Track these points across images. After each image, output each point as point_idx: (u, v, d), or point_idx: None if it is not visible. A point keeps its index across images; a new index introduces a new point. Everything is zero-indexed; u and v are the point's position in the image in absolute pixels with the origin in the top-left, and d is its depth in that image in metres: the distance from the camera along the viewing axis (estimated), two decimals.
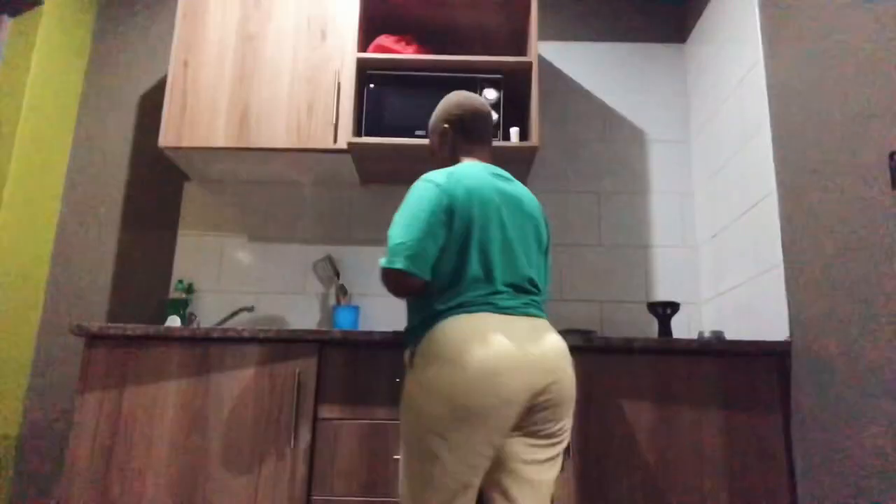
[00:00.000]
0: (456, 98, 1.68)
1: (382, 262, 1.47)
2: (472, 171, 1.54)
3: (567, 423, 1.46)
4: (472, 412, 1.34)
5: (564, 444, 1.47)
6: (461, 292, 1.45)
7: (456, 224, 1.48)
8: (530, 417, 1.40)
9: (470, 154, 1.66)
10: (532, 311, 1.49)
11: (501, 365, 1.35)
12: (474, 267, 1.46)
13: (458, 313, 1.43)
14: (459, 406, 1.34)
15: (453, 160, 1.66)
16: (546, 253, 1.66)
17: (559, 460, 1.47)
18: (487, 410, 1.35)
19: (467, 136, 1.66)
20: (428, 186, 1.50)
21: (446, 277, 1.47)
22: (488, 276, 1.47)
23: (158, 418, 1.83)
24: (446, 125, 1.66)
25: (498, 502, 1.41)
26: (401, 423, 1.45)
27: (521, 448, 1.42)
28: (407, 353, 1.52)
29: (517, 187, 1.61)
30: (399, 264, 1.43)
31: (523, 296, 1.50)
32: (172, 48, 2.38)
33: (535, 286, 1.54)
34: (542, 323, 1.48)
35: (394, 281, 1.46)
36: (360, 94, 2.40)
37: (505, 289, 1.48)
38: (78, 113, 2.72)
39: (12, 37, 2.49)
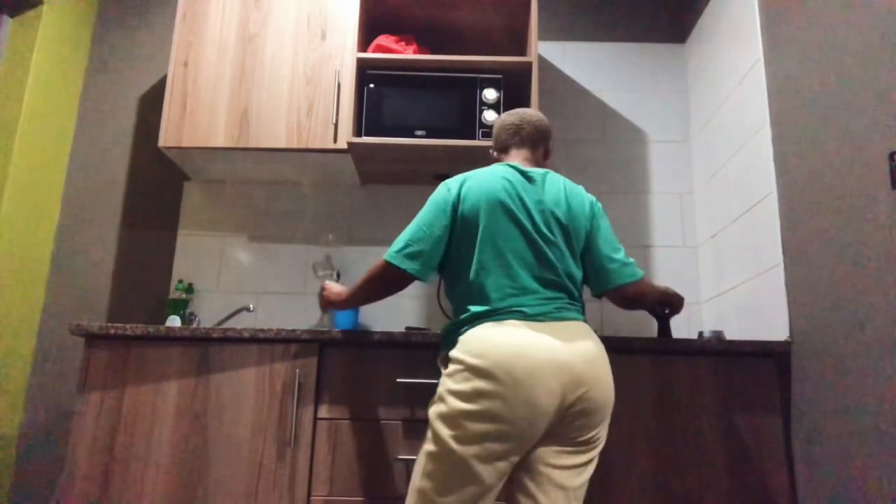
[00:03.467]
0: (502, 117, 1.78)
1: (384, 255, 1.61)
2: (487, 172, 1.60)
3: (602, 430, 1.45)
4: (513, 427, 1.35)
5: (599, 449, 1.46)
6: (486, 297, 1.48)
7: (463, 223, 1.55)
8: (563, 426, 1.40)
9: (506, 157, 1.73)
10: (565, 314, 1.48)
11: (534, 376, 1.35)
12: (494, 269, 1.49)
13: (485, 321, 1.45)
14: (501, 421, 1.35)
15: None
16: (585, 250, 1.63)
17: (592, 465, 1.46)
18: (523, 423, 1.35)
19: (502, 143, 1.75)
20: (440, 189, 1.62)
21: (466, 279, 1.51)
22: (513, 278, 1.48)
23: (158, 418, 1.83)
24: (491, 148, 1.79)
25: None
26: (432, 425, 1.43)
27: (548, 453, 1.41)
28: (441, 356, 1.55)
29: (549, 185, 1.61)
30: (395, 261, 1.57)
31: (554, 298, 1.49)
32: (172, 48, 2.38)
33: (567, 287, 1.53)
34: (576, 326, 1.47)
35: (385, 276, 1.62)
36: (360, 94, 2.40)
37: (533, 290, 1.48)
38: (78, 113, 2.72)
39: (12, 37, 2.49)
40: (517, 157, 1.69)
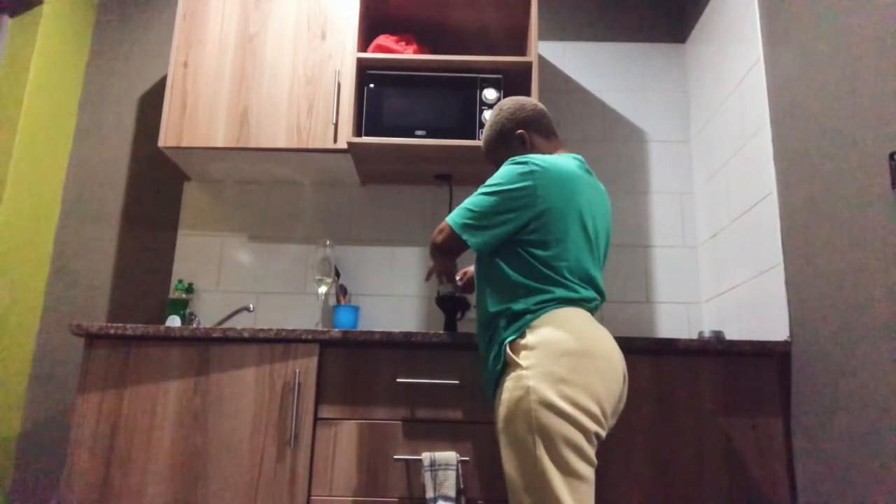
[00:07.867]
0: (511, 104, 1.68)
1: (448, 218, 1.55)
2: (563, 159, 1.56)
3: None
4: (614, 410, 1.39)
5: None
6: (558, 281, 1.45)
7: (541, 205, 1.48)
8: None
9: (557, 149, 1.68)
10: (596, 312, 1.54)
11: (618, 367, 1.41)
12: (570, 254, 1.47)
13: (563, 305, 1.44)
14: (605, 401, 1.35)
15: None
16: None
17: None
18: (617, 406, 1.41)
19: (545, 133, 1.68)
20: (517, 167, 1.51)
21: (547, 259, 1.46)
22: (579, 266, 1.48)
23: (158, 418, 1.83)
24: (521, 130, 1.66)
25: None
26: (514, 433, 1.34)
27: None
28: (506, 346, 1.42)
29: (598, 182, 1.64)
30: (459, 230, 1.51)
31: (596, 298, 1.52)
32: (172, 48, 2.38)
33: (600, 291, 1.56)
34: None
35: (448, 242, 1.56)
36: (360, 94, 2.40)
37: (588, 283, 1.50)
38: (78, 113, 2.72)
39: (12, 37, 2.49)
40: (565, 149, 1.69)
